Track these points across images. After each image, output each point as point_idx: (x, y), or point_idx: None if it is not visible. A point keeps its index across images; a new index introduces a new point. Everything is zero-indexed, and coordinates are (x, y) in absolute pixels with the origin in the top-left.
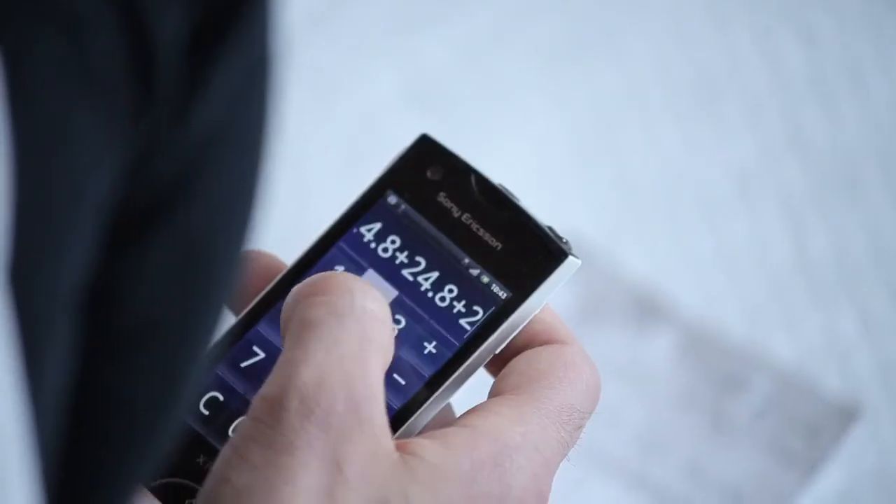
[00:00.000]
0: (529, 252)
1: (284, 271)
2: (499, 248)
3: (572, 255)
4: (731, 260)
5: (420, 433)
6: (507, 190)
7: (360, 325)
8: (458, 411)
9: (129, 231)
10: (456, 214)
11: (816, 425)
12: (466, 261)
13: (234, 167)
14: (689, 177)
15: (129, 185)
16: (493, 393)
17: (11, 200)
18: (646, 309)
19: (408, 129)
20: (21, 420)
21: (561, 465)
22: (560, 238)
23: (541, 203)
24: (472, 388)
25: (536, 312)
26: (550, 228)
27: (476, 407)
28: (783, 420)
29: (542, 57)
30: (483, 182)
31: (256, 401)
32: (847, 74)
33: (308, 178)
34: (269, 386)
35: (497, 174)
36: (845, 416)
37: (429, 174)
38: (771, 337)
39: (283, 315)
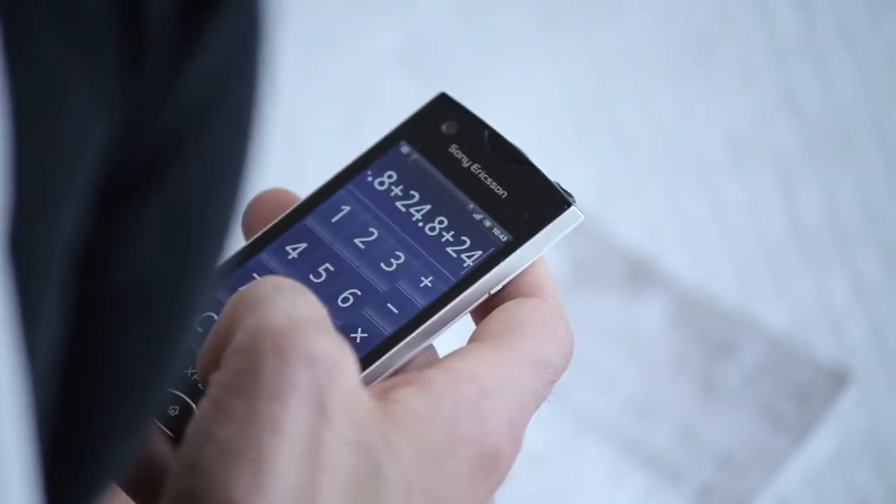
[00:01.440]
0: (534, 201)
1: (293, 206)
2: (504, 196)
3: (575, 206)
4: (724, 224)
5: (404, 369)
6: (517, 146)
7: (308, 297)
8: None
9: (120, 195)
10: (465, 164)
11: (808, 389)
12: (471, 206)
13: (226, 131)
14: (684, 140)
15: (121, 149)
16: (474, 338)
17: (8, 163)
18: (639, 274)
19: (404, 90)
20: (18, 385)
21: (540, 421)
22: (566, 192)
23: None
24: (459, 336)
25: (535, 258)
26: (557, 183)
27: (456, 351)
28: (775, 384)
29: (538, 18)
30: (495, 136)
31: (228, 354)
32: (839, 36)
33: (303, 140)
34: (238, 336)
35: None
36: (836, 380)
37: (443, 128)
38: (763, 301)
39: (223, 316)
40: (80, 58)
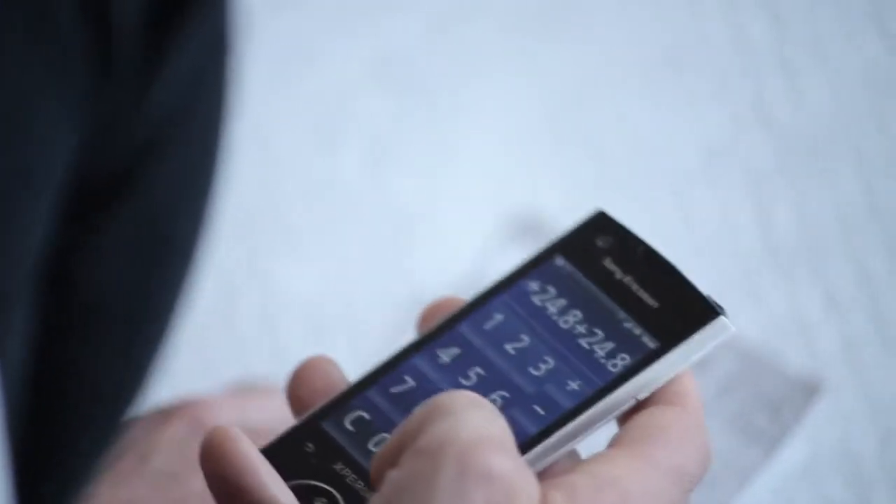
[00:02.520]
0: (684, 311)
1: (451, 313)
2: (655, 306)
3: (724, 317)
4: (697, 236)
5: (547, 474)
6: (670, 260)
7: (499, 419)
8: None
9: (90, 206)
10: (618, 277)
11: (780, 401)
12: (621, 314)
13: (195, 142)
14: (657, 152)
15: (90, 160)
16: (614, 443)
17: None
18: None
19: (377, 102)
20: None
21: None
22: (717, 303)
23: (510, 179)
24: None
25: (683, 367)
26: (709, 296)
27: (597, 455)
28: (747, 396)
29: (512, 31)
30: (648, 250)
31: (408, 454)
32: (812, 49)
33: (275, 152)
34: (423, 439)
35: (467, 150)
36: (808, 391)
37: (599, 243)
38: (736, 314)
39: (412, 418)
40: (50, 70)
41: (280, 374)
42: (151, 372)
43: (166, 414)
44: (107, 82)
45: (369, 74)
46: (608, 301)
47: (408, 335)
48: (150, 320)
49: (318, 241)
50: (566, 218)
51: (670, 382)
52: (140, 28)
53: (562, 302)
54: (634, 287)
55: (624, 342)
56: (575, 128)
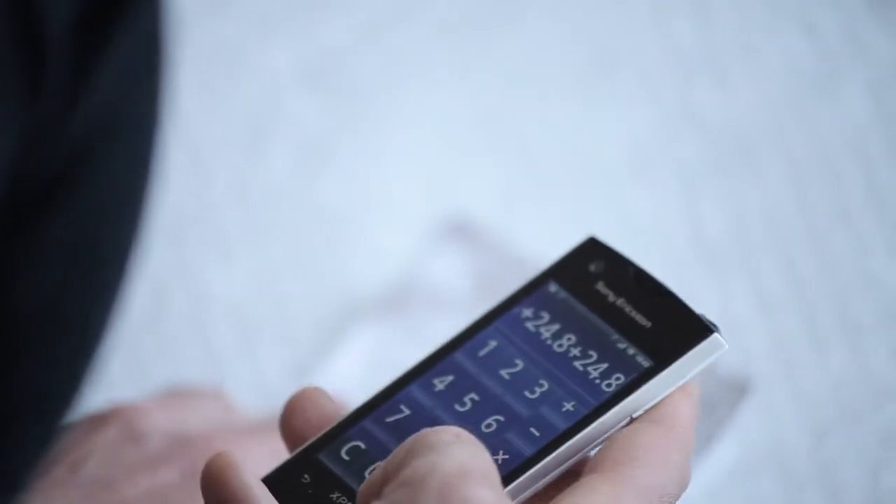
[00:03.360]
0: (677, 330)
1: (444, 342)
2: (648, 326)
3: (718, 334)
4: (628, 235)
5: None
6: (662, 281)
7: (484, 453)
8: None
9: (22, 215)
10: (611, 300)
11: (711, 400)
12: (615, 336)
13: (127, 149)
14: (587, 152)
15: (21, 169)
16: (593, 465)
17: None
18: None
19: (307, 107)
20: None
21: None
22: (709, 321)
23: (441, 180)
24: None
25: (677, 385)
26: (702, 315)
27: (576, 485)
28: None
29: (440, 33)
30: (640, 273)
31: (392, 485)
32: (739, 48)
33: (207, 158)
34: (407, 471)
35: (398, 152)
36: (739, 390)
37: (591, 268)
38: None
39: (398, 450)
40: None
41: (211, 377)
42: (84, 379)
43: (98, 420)
44: (38, 89)
45: (299, 77)
46: (601, 323)
47: (339, 337)
48: (83, 327)
49: (249, 245)
50: (497, 218)
51: (664, 404)
52: (71, 33)
53: (556, 326)
54: (627, 309)
55: (618, 362)
56: (505, 129)
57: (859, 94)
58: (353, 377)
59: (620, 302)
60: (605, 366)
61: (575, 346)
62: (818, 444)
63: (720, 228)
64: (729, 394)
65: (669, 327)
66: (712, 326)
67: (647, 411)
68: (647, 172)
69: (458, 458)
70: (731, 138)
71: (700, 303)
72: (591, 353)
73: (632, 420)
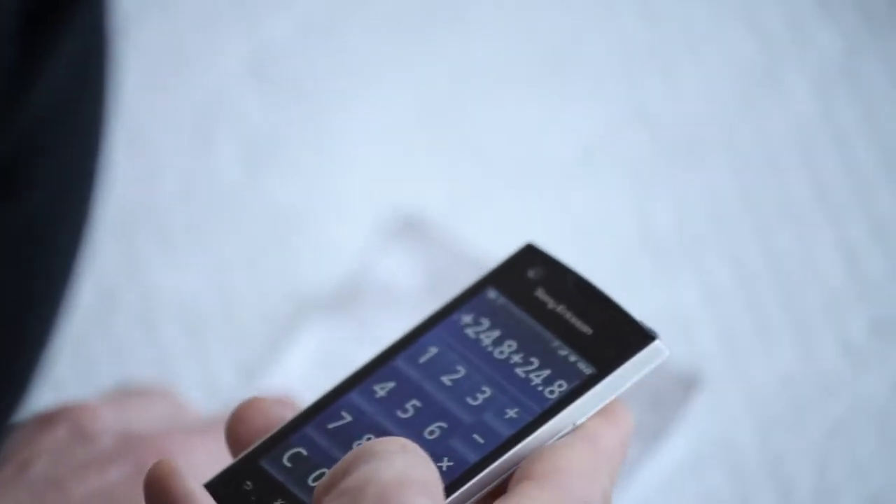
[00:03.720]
0: (618, 337)
1: (384, 348)
2: (589, 333)
3: (659, 341)
4: (577, 232)
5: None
6: (600, 288)
7: (428, 465)
8: None
9: None
10: (551, 307)
11: (661, 396)
12: (556, 343)
13: (72, 148)
14: (537, 149)
15: None
16: (521, 474)
17: None
18: None
19: (254, 103)
20: None
21: None
22: (649, 329)
23: (391, 177)
24: None
25: (621, 391)
26: (642, 322)
27: (509, 493)
28: (628, 391)
29: (390, 30)
30: (578, 279)
31: (333, 494)
32: (686, 47)
33: (153, 154)
34: (347, 480)
35: (347, 148)
36: (688, 386)
37: (529, 274)
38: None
39: (343, 460)
40: None
41: (161, 376)
42: (32, 378)
43: (46, 420)
44: None
45: (246, 74)
46: (542, 330)
47: (289, 335)
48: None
49: (197, 243)
50: (447, 215)
51: (595, 421)
52: (14, 32)
53: (496, 333)
54: (567, 315)
55: (560, 369)
56: (455, 126)
57: (805, 89)
58: (302, 375)
59: (560, 309)
60: (547, 372)
61: (516, 352)
62: (766, 438)
63: (667, 224)
64: (678, 389)
65: (610, 334)
66: (652, 333)
67: (577, 428)
68: (595, 169)
69: (399, 467)
70: (678, 135)
71: (648, 299)
72: (533, 359)
73: (574, 427)
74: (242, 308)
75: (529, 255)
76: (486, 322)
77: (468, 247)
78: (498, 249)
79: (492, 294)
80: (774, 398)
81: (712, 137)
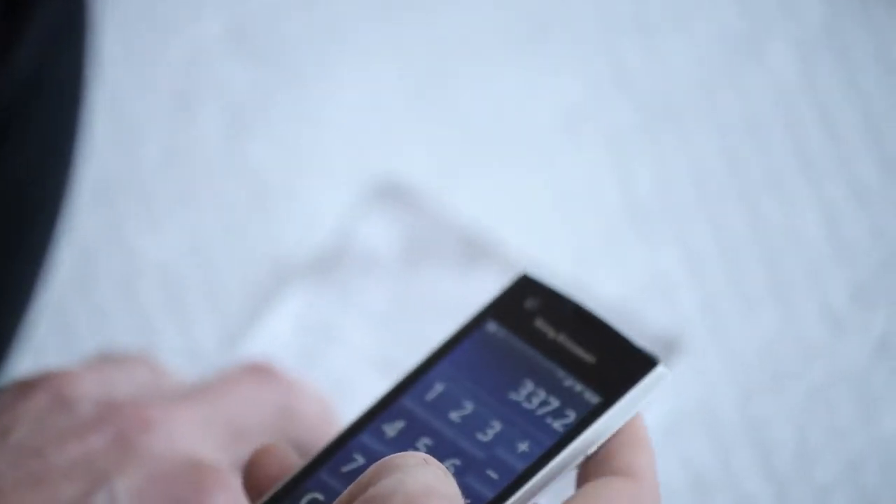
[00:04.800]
0: (621, 364)
1: (390, 387)
2: (591, 361)
3: (661, 366)
4: (559, 199)
5: None
6: (600, 315)
7: (449, 477)
8: None
9: None
10: (551, 336)
11: None
12: (560, 373)
13: (54, 112)
14: (520, 117)
15: None
16: None
17: None
18: (473, 250)
19: (235, 73)
20: None
21: None
22: (651, 353)
23: (373, 145)
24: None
25: (628, 418)
26: (643, 346)
27: None
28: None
29: None
30: (577, 308)
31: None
32: (670, 14)
33: (135, 124)
34: (371, 490)
35: (328, 116)
36: (669, 349)
37: (527, 305)
38: (597, 274)
39: (366, 472)
40: None
41: (141, 342)
42: (12, 343)
43: (26, 387)
44: None
45: (227, 39)
46: (545, 361)
47: (269, 302)
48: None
49: (178, 209)
50: (428, 182)
51: (619, 449)
52: None
53: (500, 366)
54: (569, 345)
55: (567, 400)
56: (437, 94)
57: (787, 55)
58: (283, 341)
59: (561, 338)
60: (555, 404)
61: (522, 385)
62: (747, 403)
63: (650, 190)
64: (659, 354)
65: (613, 361)
66: (655, 358)
67: (612, 462)
68: (579, 137)
69: (424, 479)
70: (660, 101)
71: (630, 264)
72: (539, 391)
73: (587, 457)
74: (223, 274)
75: (525, 285)
76: (488, 355)
77: (449, 214)
78: (479, 216)
79: (491, 327)
80: (755, 363)
81: (695, 103)
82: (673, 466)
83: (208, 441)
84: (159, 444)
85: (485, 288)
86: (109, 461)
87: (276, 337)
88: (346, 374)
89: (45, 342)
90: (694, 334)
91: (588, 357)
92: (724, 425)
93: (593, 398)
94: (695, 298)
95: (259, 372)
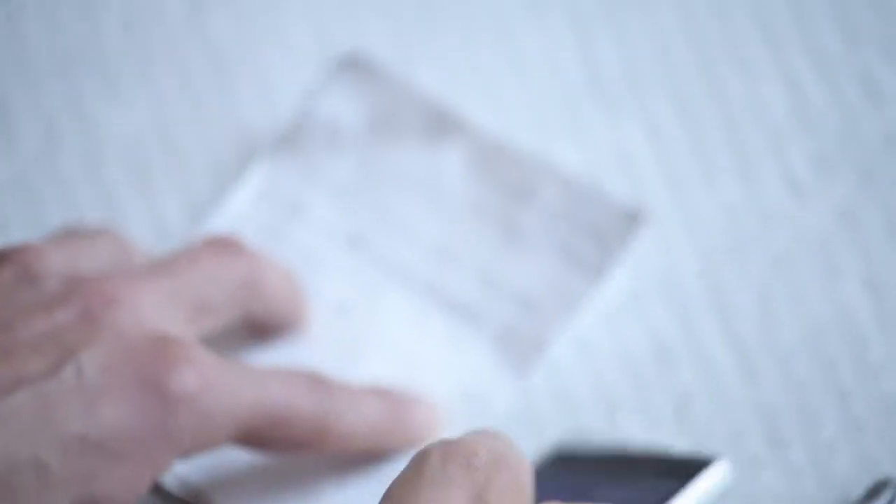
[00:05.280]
0: (683, 473)
1: None
2: (656, 473)
3: (720, 461)
4: (522, 72)
5: None
6: (638, 446)
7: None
8: None
9: None
10: (607, 476)
11: (604, 230)
12: (633, 480)
13: None
14: None
15: None
16: None
17: None
18: (438, 124)
19: None
20: None
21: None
22: (705, 456)
23: (334, 19)
24: None
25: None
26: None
27: None
28: (572, 227)
29: None
30: (618, 451)
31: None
32: None
33: None
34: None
35: None
36: (631, 220)
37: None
38: (560, 147)
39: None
40: None
41: (107, 217)
42: None
43: None
44: None
45: None
46: (615, 477)
47: (234, 176)
48: None
49: (140, 81)
50: (392, 55)
51: None
52: None
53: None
54: (628, 472)
55: (651, 481)
56: None
57: None
58: (248, 215)
59: (619, 472)
60: (653, 481)
61: (610, 491)
62: (710, 271)
63: (612, 64)
64: (622, 224)
65: (676, 472)
66: (711, 460)
67: None
68: (541, 9)
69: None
70: None
71: (593, 138)
72: (623, 483)
73: None
74: (187, 148)
75: (564, 452)
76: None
77: (413, 88)
78: (443, 91)
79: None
80: (718, 232)
81: None
82: (636, 335)
83: (174, 315)
84: (125, 319)
85: (450, 160)
86: (76, 336)
87: (240, 212)
88: (312, 248)
89: (9, 216)
90: (657, 204)
91: (651, 473)
92: (687, 294)
93: (674, 483)
94: (657, 170)
95: (223, 246)
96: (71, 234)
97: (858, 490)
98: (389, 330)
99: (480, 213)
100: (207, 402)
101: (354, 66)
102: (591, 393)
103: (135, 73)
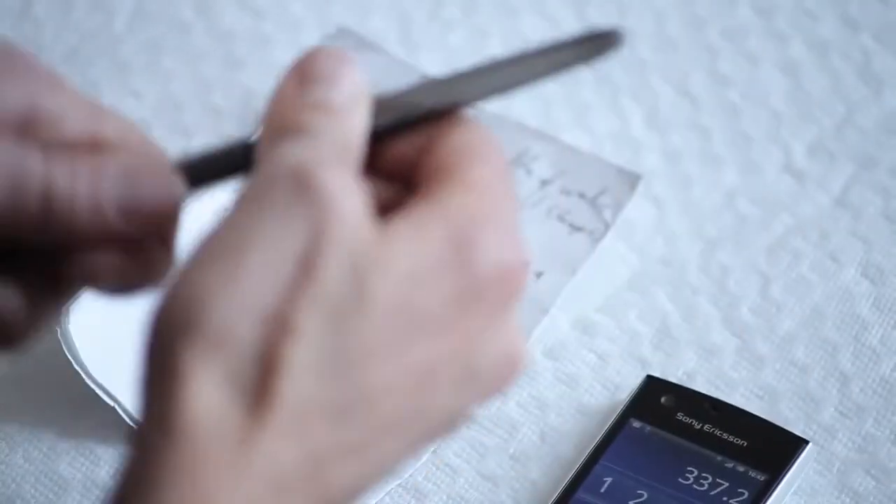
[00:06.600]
0: (773, 444)
1: (560, 489)
2: (745, 445)
3: (812, 444)
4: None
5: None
6: (736, 406)
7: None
8: None
9: None
10: (697, 427)
11: (599, 195)
12: (720, 458)
13: None
14: None
15: None
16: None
17: None
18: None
19: None
20: None
21: None
22: (796, 435)
23: (340, 8)
24: None
25: (791, 490)
26: (785, 429)
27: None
28: (569, 189)
29: None
30: (712, 400)
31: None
32: None
33: None
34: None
35: None
36: (626, 182)
37: (663, 401)
38: (561, 132)
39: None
40: None
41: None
42: None
43: None
44: None
45: None
46: (700, 448)
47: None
48: None
49: (150, 71)
50: (392, 37)
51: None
52: None
53: (657, 456)
54: (717, 433)
55: (735, 480)
56: None
57: None
58: None
59: (707, 427)
60: (725, 485)
61: (686, 471)
62: (710, 256)
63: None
64: (616, 186)
65: (764, 443)
66: (803, 438)
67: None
68: None
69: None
70: None
71: (595, 122)
72: (705, 475)
73: None
74: (193, 128)
75: (655, 385)
76: (641, 450)
77: (412, 65)
78: (441, 70)
79: (636, 424)
80: (717, 216)
81: None
82: (638, 319)
83: None
84: None
85: None
86: None
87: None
88: None
89: None
90: (657, 189)
91: (740, 442)
92: (686, 278)
93: (759, 476)
94: (659, 156)
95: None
96: None
97: (859, 475)
98: None
99: None
100: None
101: (354, 45)
102: (593, 376)
103: (144, 61)
